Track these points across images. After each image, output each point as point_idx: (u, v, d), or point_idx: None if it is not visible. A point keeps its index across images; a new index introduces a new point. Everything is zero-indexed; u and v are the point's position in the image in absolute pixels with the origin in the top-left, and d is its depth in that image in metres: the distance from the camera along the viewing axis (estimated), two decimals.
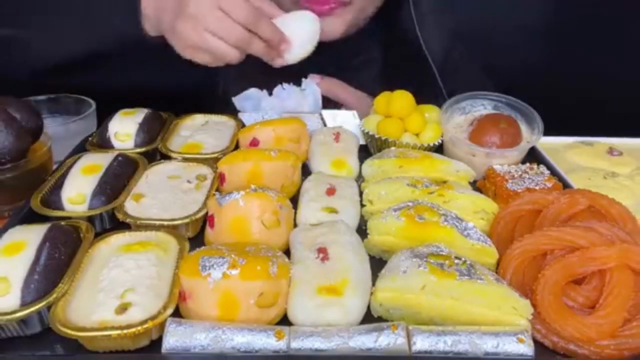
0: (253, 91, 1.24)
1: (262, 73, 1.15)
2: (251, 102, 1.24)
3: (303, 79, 1.26)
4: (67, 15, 1.11)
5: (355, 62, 1.36)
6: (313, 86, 1.25)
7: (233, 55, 1.04)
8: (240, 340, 0.63)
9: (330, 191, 0.89)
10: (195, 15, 0.98)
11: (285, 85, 1.24)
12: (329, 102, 1.27)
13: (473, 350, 0.62)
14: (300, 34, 1.10)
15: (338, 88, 1.28)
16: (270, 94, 1.24)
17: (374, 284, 0.71)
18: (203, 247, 0.73)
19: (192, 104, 1.18)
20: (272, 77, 1.22)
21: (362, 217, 0.88)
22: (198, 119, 1.16)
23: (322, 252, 0.73)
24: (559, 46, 1.33)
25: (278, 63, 1.10)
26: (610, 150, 1.12)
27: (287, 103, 1.23)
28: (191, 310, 0.68)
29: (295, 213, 0.87)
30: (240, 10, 0.99)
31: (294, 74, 1.22)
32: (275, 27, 1.06)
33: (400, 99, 1.06)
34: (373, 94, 1.14)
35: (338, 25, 1.20)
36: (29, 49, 1.15)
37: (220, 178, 0.93)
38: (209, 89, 1.25)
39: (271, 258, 0.70)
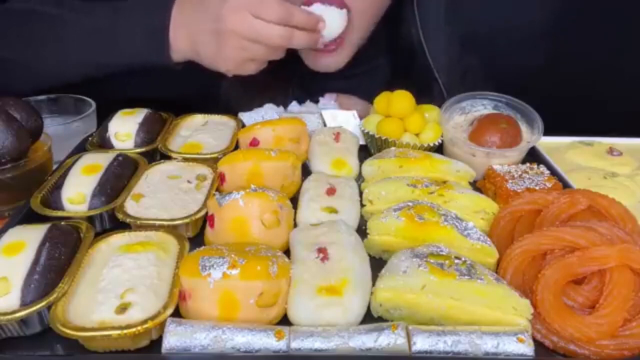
0: (269, 107, 1.21)
1: (266, 89, 1.15)
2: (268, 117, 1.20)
3: (320, 98, 1.26)
4: (92, 46, 1.11)
5: (361, 69, 1.35)
6: (331, 104, 1.25)
7: (277, 55, 1.07)
8: (241, 340, 0.63)
9: (330, 191, 0.89)
10: (233, 29, 1.00)
11: (295, 103, 1.23)
12: None
13: (473, 350, 0.62)
14: (328, 10, 1.11)
15: (356, 105, 1.27)
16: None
17: (374, 284, 0.71)
18: (203, 247, 0.73)
19: (192, 105, 1.18)
20: (278, 93, 1.21)
21: (362, 217, 0.88)
22: (198, 119, 1.16)
23: (322, 252, 0.73)
24: (559, 46, 1.33)
25: (320, 42, 1.12)
26: (610, 150, 1.12)
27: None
28: (191, 310, 0.68)
29: (295, 213, 0.87)
30: (271, 10, 0.99)
31: (301, 90, 1.22)
32: (307, 12, 1.08)
33: (400, 99, 1.06)
34: None
35: (341, 60, 1.22)
36: (48, 73, 1.14)
37: (220, 178, 0.93)
38: (211, 94, 1.25)
39: (271, 258, 0.70)
